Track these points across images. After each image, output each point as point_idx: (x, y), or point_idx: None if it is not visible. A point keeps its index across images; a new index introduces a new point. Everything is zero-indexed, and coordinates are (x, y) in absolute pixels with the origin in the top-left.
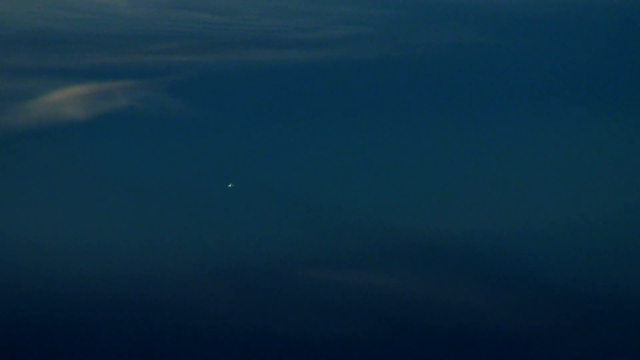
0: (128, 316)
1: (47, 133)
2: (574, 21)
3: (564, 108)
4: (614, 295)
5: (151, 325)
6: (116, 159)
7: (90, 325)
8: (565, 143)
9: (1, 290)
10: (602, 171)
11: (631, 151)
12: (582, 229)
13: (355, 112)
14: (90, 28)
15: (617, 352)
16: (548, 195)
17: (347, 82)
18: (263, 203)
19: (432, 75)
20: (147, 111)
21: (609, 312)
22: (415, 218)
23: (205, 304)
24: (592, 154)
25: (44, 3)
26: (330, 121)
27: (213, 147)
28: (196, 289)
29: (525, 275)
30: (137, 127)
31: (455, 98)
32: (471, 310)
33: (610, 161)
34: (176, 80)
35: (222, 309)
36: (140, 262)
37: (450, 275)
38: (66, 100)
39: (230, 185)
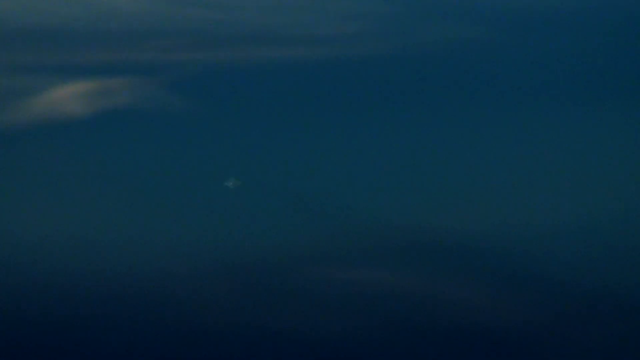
0: (137, 313)
1: (48, 130)
2: (577, 17)
3: (566, 105)
4: (615, 294)
5: (157, 323)
6: (117, 155)
7: (91, 322)
8: (567, 141)
9: (4, 287)
10: (604, 169)
11: (635, 149)
12: (583, 228)
13: (357, 109)
14: (91, 25)
15: (618, 351)
16: (550, 194)
17: (349, 79)
18: (266, 201)
19: (435, 72)
20: (149, 108)
21: (610, 310)
22: (418, 216)
23: (207, 301)
24: (594, 151)
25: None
26: (333, 118)
27: (215, 144)
28: (199, 286)
29: (528, 274)
30: (138, 124)
31: (458, 95)
32: (474, 308)
33: (613, 159)
34: (177, 77)
35: (223, 306)
36: (143, 259)
37: (453, 273)
38: (67, 97)
39: (231, 184)
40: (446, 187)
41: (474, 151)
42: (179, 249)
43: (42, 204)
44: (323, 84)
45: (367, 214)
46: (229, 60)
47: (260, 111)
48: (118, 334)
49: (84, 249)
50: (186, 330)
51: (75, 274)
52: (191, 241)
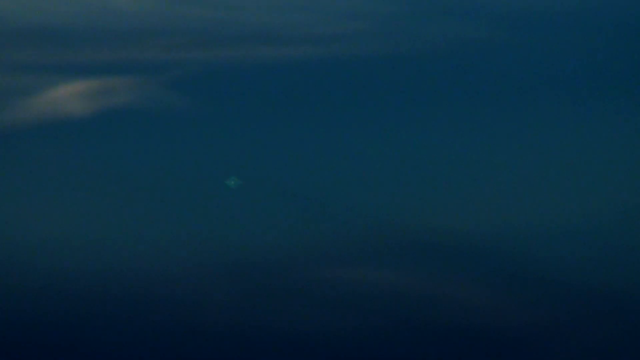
0: (136, 313)
1: (48, 130)
2: (582, 16)
3: (570, 105)
4: (615, 294)
5: (156, 323)
6: (118, 155)
7: (89, 323)
8: (571, 141)
9: (4, 287)
10: (607, 169)
11: (637, 149)
12: (585, 228)
13: (358, 109)
14: (91, 23)
15: (618, 351)
16: (552, 194)
17: (350, 79)
18: (267, 200)
19: (437, 71)
20: (150, 108)
21: (610, 310)
22: (420, 215)
23: (207, 302)
24: (597, 151)
25: None
26: (334, 118)
27: (216, 144)
28: (198, 287)
29: (529, 274)
30: (140, 124)
31: (460, 95)
32: (475, 307)
33: (615, 160)
34: (179, 77)
35: (223, 306)
36: (144, 259)
37: (455, 273)
38: (68, 96)
39: (232, 183)
40: (448, 187)
41: (476, 151)
42: (180, 248)
43: (42, 203)
44: (325, 83)
45: (368, 213)
46: (230, 59)
47: (262, 110)
48: (118, 334)
49: (85, 249)
50: (186, 330)
51: (76, 273)
52: (191, 240)
